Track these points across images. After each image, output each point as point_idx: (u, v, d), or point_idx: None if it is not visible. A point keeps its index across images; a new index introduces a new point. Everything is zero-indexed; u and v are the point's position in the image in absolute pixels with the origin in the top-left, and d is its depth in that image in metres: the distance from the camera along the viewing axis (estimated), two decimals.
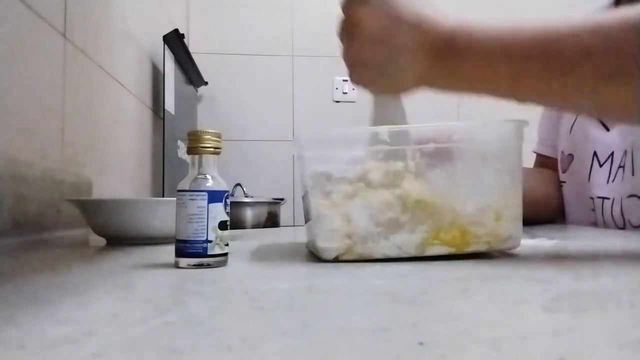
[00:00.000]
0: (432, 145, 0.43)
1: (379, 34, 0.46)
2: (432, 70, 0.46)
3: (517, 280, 0.35)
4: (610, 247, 0.56)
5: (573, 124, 0.88)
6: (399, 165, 0.43)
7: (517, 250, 0.46)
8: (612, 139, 0.80)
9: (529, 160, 1.01)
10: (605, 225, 0.80)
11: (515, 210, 0.44)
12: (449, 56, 0.45)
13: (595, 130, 0.83)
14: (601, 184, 0.80)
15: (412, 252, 0.42)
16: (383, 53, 0.47)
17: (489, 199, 0.43)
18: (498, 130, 0.45)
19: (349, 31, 0.48)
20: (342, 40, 0.50)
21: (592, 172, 0.82)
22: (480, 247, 0.43)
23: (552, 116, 0.95)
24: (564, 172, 0.90)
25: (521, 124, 0.44)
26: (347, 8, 0.48)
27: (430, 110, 2.00)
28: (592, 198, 0.82)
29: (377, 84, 0.50)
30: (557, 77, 0.43)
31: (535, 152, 1.00)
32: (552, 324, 0.24)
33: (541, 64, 0.43)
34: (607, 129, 0.81)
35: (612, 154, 0.79)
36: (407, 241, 0.42)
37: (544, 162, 0.97)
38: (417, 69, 0.46)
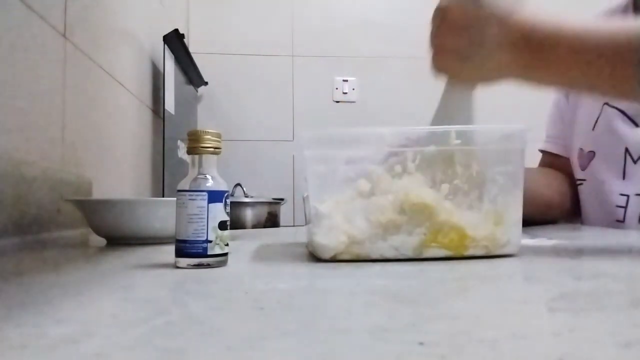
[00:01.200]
0: (432, 148, 0.43)
1: (467, 21, 0.50)
2: (514, 62, 0.50)
3: (517, 280, 0.35)
4: (611, 246, 0.56)
5: (597, 120, 0.86)
6: (398, 167, 0.43)
7: (517, 250, 0.46)
8: None
9: (532, 161, 1.00)
10: (627, 224, 0.80)
11: (515, 215, 0.44)
12: (527, 51, 0.49)
13: (623, 126, 0.82)
14: (639, 180, 0.80)
15: (410, 254, 0.42)
16: (470, 40, 0.50)
17: (489, 203, 0.43)
18: (501, 134, 0.45)
19: (439, 18, 0.51)
20: (433, 25, 0.53)
21: (626, 170, 0.81)
22: (478, 252, 0.43)
23: (564, 114, 0.94)
24: (583, 169, 0.89)
25: (525, 129, 0.44)
26: (442, 1, 0.52)
27: (432, 113, 2.01)
28: (625, 195, 0.81)
29: (458, 71, 0.52)
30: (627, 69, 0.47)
31: (542, 151, 0.98)
32: (552, 324, 0.24)
33: (611, 59, 0.47)
34: (637, 124, 0.80)
35: None
36: (404, 243, 0.42)
37: (552, 161, 0.96)
38: (502, 59, 0.50)
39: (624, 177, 0.81)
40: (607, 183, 0.84)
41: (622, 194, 0.82)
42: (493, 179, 0.44)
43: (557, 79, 0.52)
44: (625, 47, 0.47)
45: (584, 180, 0.89)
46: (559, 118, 0.95)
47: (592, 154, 0.87)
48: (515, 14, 0.49)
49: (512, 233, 0.44)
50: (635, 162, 0.80)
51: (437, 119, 0.53)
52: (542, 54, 0.49)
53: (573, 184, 0.92)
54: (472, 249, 0.43)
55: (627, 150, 0.81)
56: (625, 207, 0.81)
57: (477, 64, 0.51)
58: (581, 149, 0.89)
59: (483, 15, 0.49)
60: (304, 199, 0.46)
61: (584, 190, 0.90)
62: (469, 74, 0.52)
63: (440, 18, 0.51)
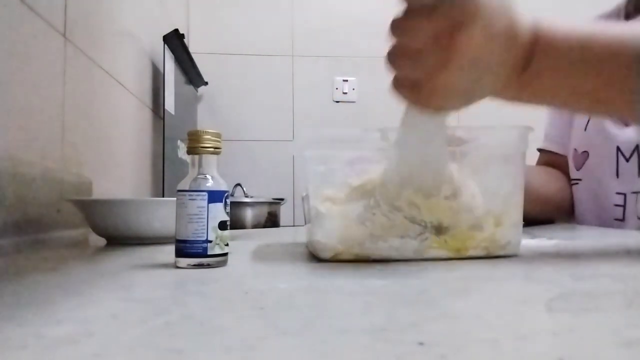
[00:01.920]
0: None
1: (478, 54, 0.38)
2: (508, 85, 0.42)
3: (517, 280, 0.35)
4: (611, 246, 0.56)
5: (588, 121, 0.87)
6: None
7: (517, 251, 0.46)
8: (632, 133, 0.80)
9: (532, 160, 1.00)
10: (628, 222, 0.80)
11: (515, 217, 0.44)
12: (526, 71, 0.42)
13: (613, 126, 0.83)
14: (633, 178, 0.80)
15: (410, 255, 0.42)
16: (475, 73, 0.39)
17: (489, 204, 0.43)
18: (502, 135, 0.45)
19: (441, 57, 0.38)
20: (425, 64, 0.39)
21: (619, 168, 0.82)
22: (479, 253, 0.43)
23: (563, 114, 0.94)
24: (578, 169, 0.90)
25: (526, 130, 0.44)
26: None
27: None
28: (622, 194, 0.82)
29: (449, 104, 0.41)
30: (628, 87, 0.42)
31: (541, 150, 0.99)
32: (552, 324, 0.24)
33: (614, 76, 0.42)
34: (626, 124, 0.81)
35: (637, 147, 0.79)
36: (404, 244, 0.42)
37: (551, 160, 0.96)
38: (497, 85, 0.42)
39: (617, 176, 0.82)
40: (602, 182, 0.85)
41: (618, 193, 0.82)
42: (494, 180, 0.44)
43: (566, 99, 0.45)
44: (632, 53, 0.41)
45: (580, 180, 0.90)
46: (558, 117, 0.95)
47: (586, 154, 0.88)
48: (519, 29, 0.40)
49: (513, 234, 0.44)
50: (627, 160, 0.81)
51: (403, 143, 0.42)
52: (548, 73, 0.42)
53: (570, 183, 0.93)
54: (473, 251, 0.43)
55: (618, 149, 0.82)
56: (624, 206, 0.82)
57: (473, 95, 0.41)
58: (575, 150, 0.90)
59: (495, 36, 0.38)
60: (303, 199, 0.46)
61: (579, 190, 0.90)
62: (457, 103, 0.41)
63: (457, 51, 0.38)
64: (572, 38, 0.42)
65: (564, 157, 0.94)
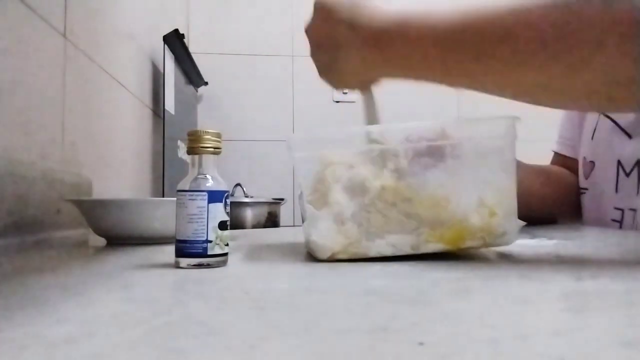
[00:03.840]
0: (424, 143, 0.43)
1: (325, 34, 0.52)
2: (370, 61, 0.49)
3: (517, 280, 0.35)
4: (611, 247, 0.56)
5: (594, 131, 0.86)
6: (391, 164, 0.43)
7: (517, 250, 0.46)
8: (635, 147, 0.77)
9: (540, 161, 0.99)
10: None
11: (509, 206, 0.44)
12: (381, 46, 0.48)
13: (618, 138, 0.80)
14: (631, 194, 0.77)
15: (407, 250, 0.42)
16: (327, 54, 0.52)
17: (482, 195, 0.43)
18: (491, 126, 0.45)
19: (310, 38, 0.55)
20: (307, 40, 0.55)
21: (619, 183, 0.79)
22: (475, 243, 0.43)
23: (573, 117, 0.93)
24: (586, 178, 0.88)
25: (513, 120, 0.44)
26: (310, 20, 0.55)
27: (430, 107, 2.01)
28: (619, 209, 0.80)
29: (330, 81, 0.55)
30: (478, 61, 0.44)
31: (554, 151, 0.98)
32: (552, 324, 0.24)
33: (464, 48, 0.44)
34: (630, 136, 0.79)
35: (638, 162, 0.76)
36: (401, 239, 0.42)
37: (563, 162, 0.95)
38: (358, 61, 0.50)
39: (617, 190, 0.80)
40: (604, 195, 0.83)
41: (616, 208, 0.80)
42: (486, 171, 0.44)
43: (427, 72, 0.48)
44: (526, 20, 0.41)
45: (586, 189, 0.88)
46: (569, 120, 0.94)
47: (592, 164, 0.86)
48: (365, 11, 0.49)
49: (508, 223, 0.44)
50: (627, 175, 0.78)
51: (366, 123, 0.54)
52: (394, 47, 0.47)
53: (578, 185, 0.92)
54: (469, 242, 0.43)
55: (619, 162, 0.80)
56: (620, 222, 0.80)
57: (343, 70, 0.52)
58: (584, 158, 0.89)
59: (338, 21, 0.50)
60: (299, 196, 0.46)
61: (586, 199, 0.89)
62: (338, 82, 0.54)
63: (309, 38, 0.54)
64: (426, 17, 0.47)
65: (575, 160, 0.93)
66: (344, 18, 0.50)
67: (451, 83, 0.48)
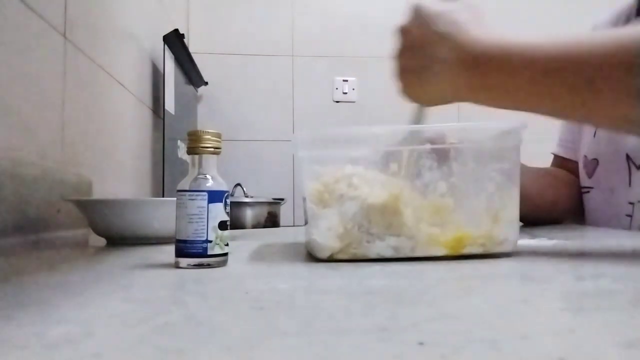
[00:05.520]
0: (428, 147, 0.43)
1: (420, 41, 0.50)
2: (462, 84, 0.49)
3: (517, 280, 0.35)
4: (611, 247, 0.56)
5: (596, 129, 0.86)
6: (394, 166, 0.43)
7: (517, 250, 0.46)
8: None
9: (540, 161, 0.99)
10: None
11: (512, 213, 0.44)
12: (476, 70, 0.48)
13: (621, 133, 0.80)
14: None
15: (407, 253, 0.42)
16: (422, 60, 0.50)
17: (485, 201, 0.43)
18: (496, 131, 0.45)
19: (400, 36, 0.53)
20: (395, 45, 0.53)
21: (631, 176, 0.79)
22: (476, 250, 0.43)
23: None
24: (589, 177, 0.88)
25: (520, 126, 0.44)
26: (405, 22, 0.53)
27: (429, 109, 2.00)
28: (632, 203, 0.79)
29: (415, 91, 0.53)
30: (575, 93, 0.44)
31: (554, 154, 0.98)
32: (552, 324, 0.24)
33: (560, 80, 0.44)
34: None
35: None
36: (401, 242, 0.42)
37: (563, 164, 0.95)
38: (450, 80, 0.49)
39: (630, 184, 0.80)
40: (615, 191, 0.82)
41: (630, 202, 0.80)
42: (489, 177, 0.44)
43: (519, 102, 0.48)
44: (620, 56, 0.43)
45: (591, 188, 0.88)
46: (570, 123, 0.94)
47: (595, 161, 0.86)
48: (468, 33, 0.48)
49: (509, 231, 0.44)
50: (638, 168, 0.78)
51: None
52: (493, 74, 0.47)
53: (580, 186, 0.92)
54: (470, 248, 0.43)
55: (628, 156, 0.80)
56: (632, 216, 0.79)
57: (430, 84, 0.51)
58: (585, 157, 0.88)
59: (437, 33, 0.49)
60: (303, 200, 0.46)
61: (590, 199, 0.88)
62: (423, 94, 0.52)
63: (401, 38, 0.52)
64: (520, 46, 0.46)
65: (575, 163, 0.93)
66: (446, 33, 0.49)
67: (540, 112, 0.48)
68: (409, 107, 0.54)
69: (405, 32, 0.52)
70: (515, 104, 0.48)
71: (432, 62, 0.49)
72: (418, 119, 0.54)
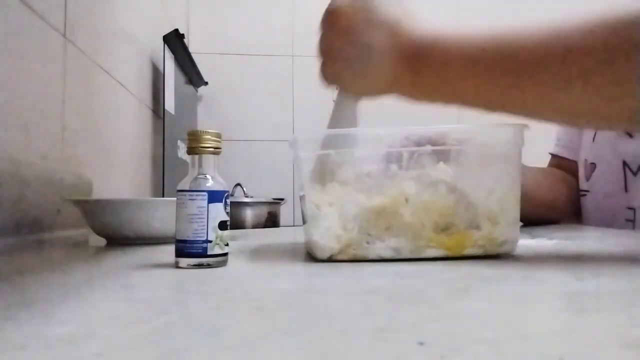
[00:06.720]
0: (429, 148, 0.43)
1: (354, 28, 0.47)
2: (399, 76, 0.46)
3: (517, 280, 0.35)
4: (611, 247, 0.56)
5: (596, 133, 0.86)
6: (394, 167, 0.43)
7: (517, 250, 0.46)
8: (638, 145, 0.78)
9: (539, 161, 0.99)
10: None
11: (512, 215, 0.44)
12: (415, 64, 0.45)
13: (620, 139, 0.81)
14: None
15: (407, 254, 0.42)
16: (355, 48, 0.47)
17: (486, 203, 0.43)
18: (498, 133, 0.45)
19: (328, 21, 0.49)
20: (320, 30, 0.49)
21: (627, 182, 0.80)
22: (476, 251, 0.43)
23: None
24: (587, 180, 0.88)
25: (522, 127, 0.44)
26: (331, 3, 0.49)
27: (430, 112, 2.00)
28: (632, 208, 0.80)
29: (344, 80, 0.49)
30: (516, 86, 0.43)
31: (551, 154, 0.98)
32: (552, 324, 0.24)
33: (502, 73, 0.43)
34: (631, 136, 0.79)
35: None
36: (401, 243, 0.42)
37: (561, 164, 0.96)
38: (386, 71, 0.47)
39: (626, 190, 0.80)
40: (610, 196, 0.82)
41: (628, 208, 0.80)
42: (490, 178, 0.44)
43: (455, 95, 0.46)
44: (551, 47, 0.41)
45: (587, 191, 0.88)
46: None
47: (593, 165, 0.86)
48: (408, 21, 0.46)
49: (510, 232, 0.44)
50: (635, 174, 0.79)
51: (329, 127, 0.50)
52: (434, 65, 0.45)
53: (578, 186, 0.92)
54: (470, 249, 0.43)
55: (625, 163, 0.80)
56: (633, 221, 0.80)
57: (364, 74, 0.47)
58: (585, 160, 0.89)
59: (373, 19, 0.46)
60: (300, 198, 0.46)
61: (587, 201, 0.89)
62: (357, 84, 0.49)
63: (329, 22, 0.48)
64: (459, 40, 0.45)
65: (573, 163, 0.93)
66: (385, 21, 0.46)
67: (481, 105, 0.46)
68: (332, 101, 0.51)
69: (337, 14, 0.48)
70: (454, 97, 0.46)
71: (368, 51, 0.46)
72: (344, 114, 0.50)
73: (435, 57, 0.45)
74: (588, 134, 0.88)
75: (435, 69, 0.45)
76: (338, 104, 0.51)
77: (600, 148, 0.85)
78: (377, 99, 0.50)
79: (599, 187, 0.85)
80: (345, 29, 0.47)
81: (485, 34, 0.44)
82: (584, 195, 0.89)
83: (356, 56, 0.47)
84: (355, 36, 0.47)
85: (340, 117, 0.50)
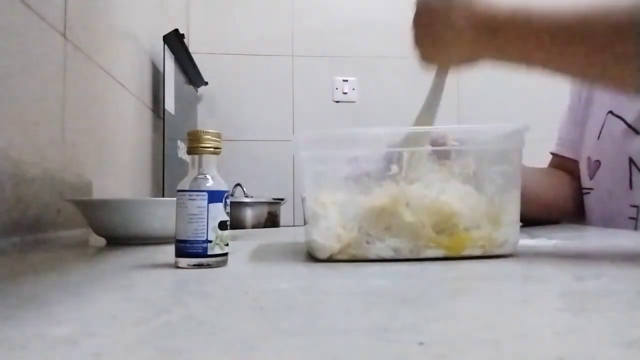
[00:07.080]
0: (429, 148, 0.43)
1: (432, 9, 0.55)
2: (476, 45, 0.53)
3: (517, 280, 0.35)
4: (611, 247, 0.56)
5: (601, 130, 0.85)
6: (395, 167, 0.43)
7: (517, 250, 0.46)
8: None
9: (539, 161, 0.99)
10: None
11: (512, 215, 0.44)
12: (495, 30, 0.51)
13: (625, 135, 0.80)
14: None
15: (407, 255, 0.42)
16: (436, 25, 0.55)
17: (486, 203, 0.43)
18: (498, 133, 0.45)
19: (416, 10, 0.57)
20: (413, 25, 0.57)
21: (632, 180, 0.79)
22: (476, 252, 0.43)
23: (577, 118, 0.93)
24: (591, 178, 0.88)
25: (522, 128, 0.44)
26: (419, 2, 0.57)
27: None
28: (635, 206, 0.79)
29: (428, 51, 0.56)
30: (587, 55, 0.47)
31: (553, 153, 0.98)
32: (552, 324, 0.24)
33: (576, 41, 0.48)
34: (637, 132, 0.79)
35: None
36: (401, 244, 0.42)
37: (563, 164, 0.95)
38: (464, 40, 0.53)
39: (631, 187, 0.80)
40: (615, 194, 0.82)
41: (632, 205, 0.80)
42: (490, 179, 0.44)
43: (530, 61, 0.52)
44: (623, 22, 0.46)
45: (591, 189, 0.88)
46: (572, 123, 0.94)
47: (598, 163, 0.86)
48: (480, 1, 0.52)
49: (510, 233, 0.44)
50: None
51: (425, 110, 0.55)
52: (505, 35, 0.51)
53: (580, 186, 0.92)
54: (470, 250, 0.43)
55: (631, 160, 0.80)
56: (636, 219, 0.79)
57: (448, 45, 0.54)
58: (589, 158, 0.88)
59: (452, 4, 0.53)
60: (302, 199, 0.46)
61: (590, 200, 0.88)
62: (442, 54, 0.56)
63: (417, 12, 0.56)
64: (534, 11, 0.50)
65: (575, 162, 0.93)
66: (461, 3, 0.53)
67: (552, 69, 0.51)
68: (428, 80, 0.56)
69: (420, 4, 0.56)
70: (528, 61, 0.51)
71: (449, 25, 0.53)
72: (437, 88, 0.56)
73: (511, 25, 0.51)
74: (592, 131, 0.88)
75: (511, 36, 0.51)
76: (437, 82, 0.57)
77: (605, 145, 0.85)
78: (472, 67, 0.56)
79: (604, 185, 0.84)
80: (430, 13, 0.55)
81: (559, 7, 0.50)
82: (588, 193, 0.89)
83: (444, 36, 0.54)
84: (440, 21, 0.54)
85: (437, 92, 0.56)
